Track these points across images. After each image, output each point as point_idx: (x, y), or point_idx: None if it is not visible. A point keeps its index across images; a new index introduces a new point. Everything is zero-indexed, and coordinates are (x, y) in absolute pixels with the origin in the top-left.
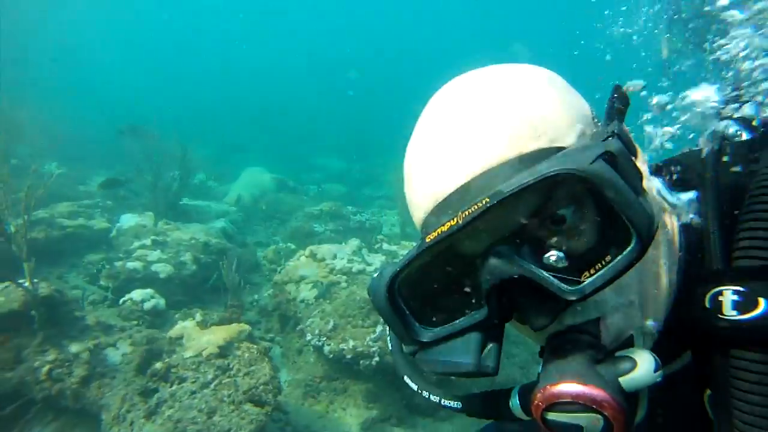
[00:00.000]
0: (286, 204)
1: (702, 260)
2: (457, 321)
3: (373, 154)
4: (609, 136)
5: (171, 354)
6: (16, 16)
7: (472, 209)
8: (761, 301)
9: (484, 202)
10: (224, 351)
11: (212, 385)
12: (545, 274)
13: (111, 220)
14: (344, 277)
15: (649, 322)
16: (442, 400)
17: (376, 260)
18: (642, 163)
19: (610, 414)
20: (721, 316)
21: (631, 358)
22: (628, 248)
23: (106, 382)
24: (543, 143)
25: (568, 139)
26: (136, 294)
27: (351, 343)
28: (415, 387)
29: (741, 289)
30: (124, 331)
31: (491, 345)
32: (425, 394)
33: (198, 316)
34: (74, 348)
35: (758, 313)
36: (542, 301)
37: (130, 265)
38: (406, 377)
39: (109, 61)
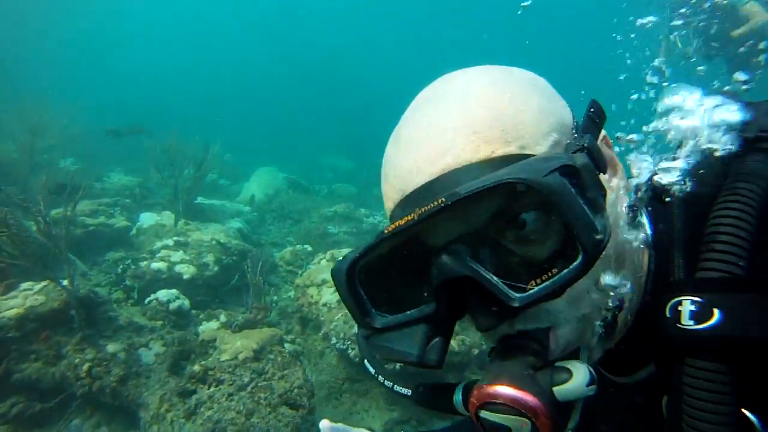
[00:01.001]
0: (299, 204)
1: (668, 272)
2: (409, 312)
3: (380, 154)
4: (578, 150)
5: (203, 356)
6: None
7: (429, 207)
8: (715, 311)
9: (440, 201)
10: (258, 355)
11: (249, 388)
12: (493, 278)
13: (130, 218)
14: None
15: (594, 338)
16: (394, 386)
17: None
18: (619, 179)
19: (538, 421)
20: (679, 325)
21: (568, 369)
22: (573, 264)
23: (142, 381)
24: (513, 149)
25: (540, 148)
26: (162, 294)
27: None
28: (372, 371)
29: (698, 299)
30: (154, 332)
31: (437, 339)
32: (380, 378)
33: (222, 317)
34: (111, 348)
35: (712, 323)
36: (489, 303)
37: (155, 265)
38: (365, 361)
39: (125, 57)
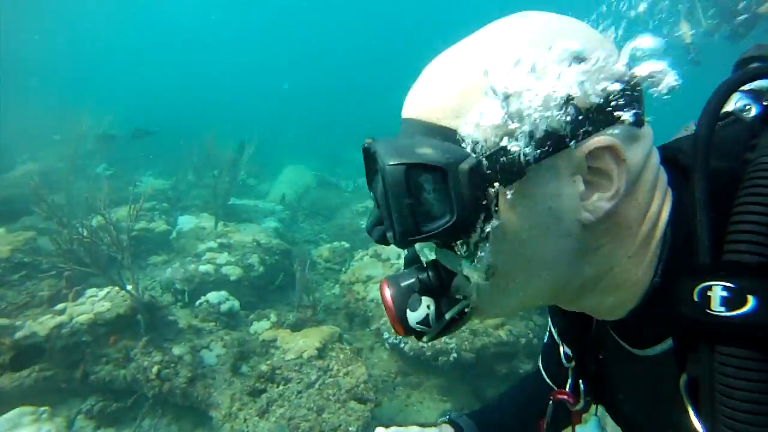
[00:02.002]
0: (329, 201)
1: (688, 252)
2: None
3: None
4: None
5: (264, 356)
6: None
7: (369, 143)
8: (749, 298)
9: (367, 142)
10: (321, 353)
11: (317, 385)
12: (396, 211)
13: (169, 221)
14: None
15: (500, 307)
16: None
17: None
18: (613, 194)
19: (389, 317)
20: (709, 311)
21: (421, 302)
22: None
23: (209, 382)
24: (455, 124)
25: (482, 135)
26: (213, 296)
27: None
28: None
29: (730, 285)
30: (212, 334)
31: (379, 228)
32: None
33: (272, 317)
34: (177, 350)
35: (746, 311)
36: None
37: (203, 268)
38: None
39: (145, 60)
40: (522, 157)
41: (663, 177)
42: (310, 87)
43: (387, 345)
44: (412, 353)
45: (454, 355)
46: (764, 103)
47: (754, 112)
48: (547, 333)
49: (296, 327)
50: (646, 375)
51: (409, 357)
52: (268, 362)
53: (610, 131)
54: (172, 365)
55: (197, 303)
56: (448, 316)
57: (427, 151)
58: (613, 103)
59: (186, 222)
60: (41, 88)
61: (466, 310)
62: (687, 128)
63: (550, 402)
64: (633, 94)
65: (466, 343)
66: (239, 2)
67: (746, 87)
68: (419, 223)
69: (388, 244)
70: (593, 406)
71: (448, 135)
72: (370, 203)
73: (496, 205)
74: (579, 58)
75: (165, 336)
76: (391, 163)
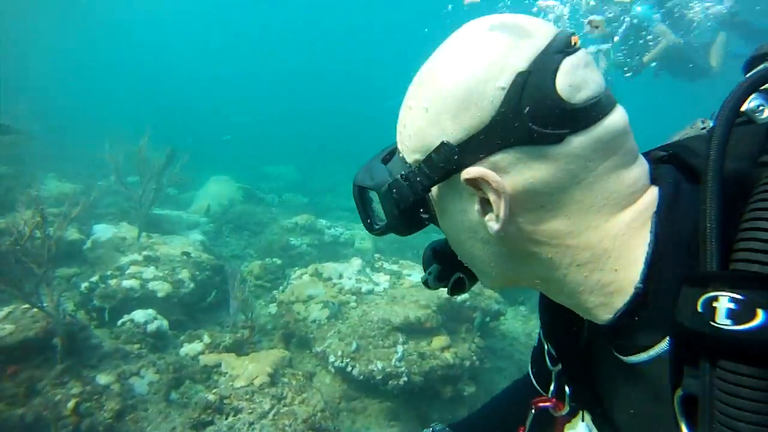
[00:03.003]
0: (256, 215)
1: (686, 258)
2: None
3: (325, 162)
4: (402, 177)
5: (206, 383)
6: None
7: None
8: (759, 312)
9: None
10: (274, 379)
11: (270, 415)
12: (360, 214)
13: (82, 230)
14: (353, 297)
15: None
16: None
17: (381, 279)
18: (504, 204)
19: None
20: (713, 323)
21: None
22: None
23: (141, 415)
24: (400, 149)
25: (409, 159)
26: (139, 315)
27: (379, 364)
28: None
29: (738, 296)
30: (142, 358)
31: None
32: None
33: (206, 338)
34: (102, 379)
35: (754, 325)
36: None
37: (127, 283)
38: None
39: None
40: (419, 183)
41: (635, 186)
42: (232, 98)
43: (332, 368)
44: (361, 377)
45: (405, 378)
46: None
47: (767, 113)
48: (537, 336)
49: (234, 350)
50: (634, 384)
51: (357, 381)
52: (214, 390)
53: (495, 157)
54: (96, 397)
55: (119, 323)
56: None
57: (368, 175)
58: (482, 136)
59: (103, 231)
60: None
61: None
62: (693, 126)
63: (532, 410)
64: (543, 113)
65: (415, 366)
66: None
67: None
68: (372, 224)
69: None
70: (580, 413)
71: (396, 157)
72: (300, 218)
73: (425, 212)
74: (454, 97)
75: (86, 362)
76: (354, 182)
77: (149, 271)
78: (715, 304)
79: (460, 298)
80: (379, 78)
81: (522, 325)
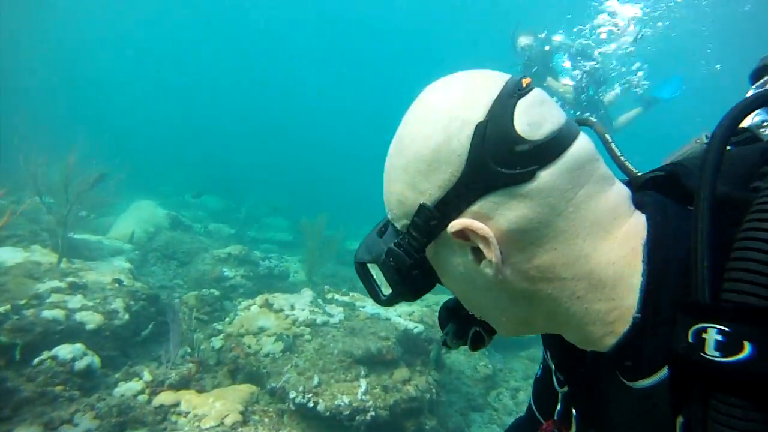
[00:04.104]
0: (184, 244)
1: (681, 283)
2: None
3: (249, 193)
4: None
5: (160, 425)
6: None
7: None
8: (746, 345)
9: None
10: (245, 417)
11: None
12: (366, 287)
13: None
14: (308, 329)
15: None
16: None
17: (335, 311)
18: (494, 250)
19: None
20: (703, 354)
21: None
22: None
23: None
24: (390, 218)
25: (398, 225)
26: (64, 351)
27: (345, 399)
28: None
29: (725, 329)
30: (74, 401)
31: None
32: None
33: (146, 375)
34: None
35: (741, 358)
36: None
37: (48, 314)
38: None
39: None
40: (411, 245)
41: (617, 211)
42: (155, 122)
43: (293, 405)
44: (328, 413)
45: (372, 413)
46: None
47: None
48: (540, 364)
49: (181, 387)
50: (639, 408)
51: (321, 418)
52: None
53: (475, 207)
54: None
55: (35, 361)
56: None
57: (367, 251)
58: (458, 190)
59: (9, 255)
60: None
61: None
62: (698, 140)
63: None
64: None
65: (380, 400)
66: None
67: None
68: (378, 294)
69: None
70: None
71: (390, 228)
72: (233, 249)
73: (427, 274)
74: (424, 161)
75: (1, 413)
76: (355, 259)
77: (76, 300)
78: (704, 335)
79: (416, 329)
80: (303, 107)
81: (466, 359)
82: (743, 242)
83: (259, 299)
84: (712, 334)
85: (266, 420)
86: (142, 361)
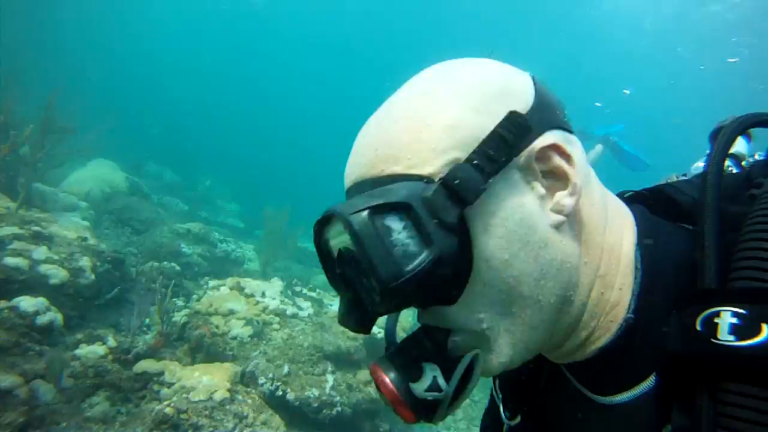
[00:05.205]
0: (142, 212)
1: (686, 282)
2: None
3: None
4: (445, 175)
5: (140, 392)
6: None
7: (323, 218)
8: (765, 327)
9: (324, 216)
10: (233, 395)
11: None
12: (374, 261)
13: None
14: (277, 318)
15: (517, 347)
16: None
17: (305, 305)
18: (569, 193)
19: (395, 406)
20: (714, 340)
21: (424, 370)
22: (377, 297)
23: (56, 430)
24: (400, 168)
25: (429, 168)
26: (26, 303)
27: (315, 391)
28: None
29: (741, 311)
30: (42, 356)
31: (356, 311)
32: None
33: (111, 341)
34: (4, 381)
35: (760, 341)
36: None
37: (11, 261)
38: None
39: None
40: (474, 177)
41: (622, 210)
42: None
43: (260, 390)
44: (297, 403)
45: (338, 408)
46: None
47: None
48: (489, 396)
49: (145, 357)
50: (611, 427)
51: (291, 406)
52: (170, 403)
53: (550, 134)
54: None
55: None
56: (457, 372)
57: (384, 193)
58: (532, 116)
59: None
60: None
61: (473, 366)
62: (668, 179)
63: None
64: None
65: (344, 397)
66: None
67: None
68: (401, 264)
69: (368, 329)
70: None
71: (397, 179)
72: (194, 226)
73: (468, 233)
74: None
75: None
76: (352, 212)
77: (40, 252)
78: (716, 320)
79: (380, 335)
80: (284, 102)
81: None
82: (750, 234)
83: (230, 281)
84: (726, 318)
85: (249, 401)
86: (98, 326)
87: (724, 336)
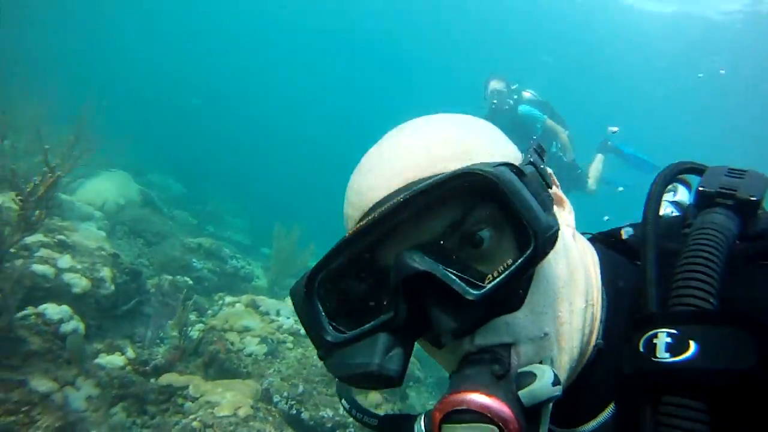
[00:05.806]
0: (154, 224)
1: (634, 310)
2: (366, 324)
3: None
4: (526, 165)
5: (163, 405)
6: None
7: (389, 206)
8: (691, 343)
9: (399, 198)
10: (255, 412)
11: None
12: (450, 273)
13: None
14: (291, 338)
15: (564, 356)
16: (363, 417)
17: None
18: (567, 213)
19: (507, 428)
20: (654, 359)
21: (530, 372)
22: (527, 251)
23: None
24: (462, 164)
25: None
26: (52, 310)
27: (329, 411)
28: (346, 406)
29: (674, 331)
30: (71, 364)
31: (397, 349)
32: (352, 411)
33: (129, 352)
34: (40, 385)
35: (688, 356)
36: (450, 304)
37: (38, 268)
38: (342, 399)
39: None
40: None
41: (589, 248)
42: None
43: (275, 408)
44: (312, 422)
45: (351, 429)
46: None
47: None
48: None
49: (163, 371)
50: None
51: (306, 426)
52: (197, 418)
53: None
54: (25, 408)
55: (19, 315)
56: (547, 377)
57: (495, 162)
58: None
59: None
60: None
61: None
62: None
63: None
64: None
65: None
66: None
67: (672, 198)
68: (551, 219)
69: (403, 371)
70: None
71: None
72: (205, 240)
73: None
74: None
75: (7, 361)
76: (491, 167)
77: (65, 260)
78: (655, 341)
79: None
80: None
81: (417, 395)
82: (682, 266)
83: (245, 298)
84: (663, 338)
85: (271, 419)
86: (114, 336)
87: (662, 354)
